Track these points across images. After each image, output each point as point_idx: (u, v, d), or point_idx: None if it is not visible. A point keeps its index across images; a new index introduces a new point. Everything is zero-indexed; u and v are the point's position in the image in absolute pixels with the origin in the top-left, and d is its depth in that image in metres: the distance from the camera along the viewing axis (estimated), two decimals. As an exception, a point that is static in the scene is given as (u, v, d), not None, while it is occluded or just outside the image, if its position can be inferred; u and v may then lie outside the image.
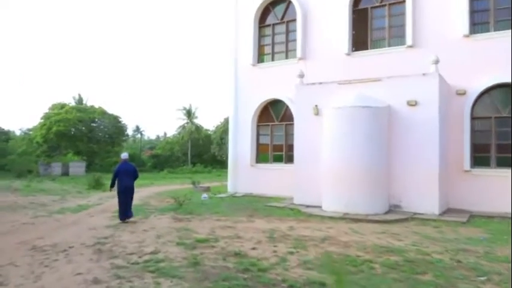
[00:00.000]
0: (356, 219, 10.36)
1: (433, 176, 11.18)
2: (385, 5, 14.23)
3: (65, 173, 40.06)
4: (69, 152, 45.60)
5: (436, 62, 11.53)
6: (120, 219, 10.41)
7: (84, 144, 48.56)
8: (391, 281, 5.59)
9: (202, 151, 63.02)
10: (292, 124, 15.41)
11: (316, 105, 12.81)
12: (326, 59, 14.89)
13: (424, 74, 11.53)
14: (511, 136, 12.01)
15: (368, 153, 11.27)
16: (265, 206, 12.91)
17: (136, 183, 11.27)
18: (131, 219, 10.58)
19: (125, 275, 5.81)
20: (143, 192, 19.72)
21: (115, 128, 52.47)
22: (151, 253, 7.09)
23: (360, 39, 14.65)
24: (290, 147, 15.65)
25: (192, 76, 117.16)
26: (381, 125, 11.48)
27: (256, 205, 13.27)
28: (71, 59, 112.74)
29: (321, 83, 13.02)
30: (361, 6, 14.70)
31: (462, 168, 12.39)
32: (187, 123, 65.08)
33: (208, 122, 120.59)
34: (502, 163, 12.19)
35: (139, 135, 79.31)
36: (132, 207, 12.44)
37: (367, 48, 14.44)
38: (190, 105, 64.99)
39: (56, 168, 40.15)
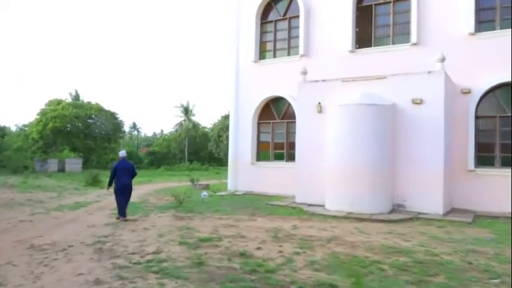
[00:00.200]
0: (360, 219, 10.20)
1: (438, 176, 11.03)
2: (389, 2, 14.05)
3: (61, 170, 39.70)
4: (66, 148, 45.24)
5: (442, 60, 11.36)
6: (120, 216, 10.22)
7: (81, 140, 48.15)
8: (403, 283, 5.41)
9: (199, 148, 62.80)
10: (294, 122, 15.26)
11: (319, 103, 12.63)
12: (329, 56, 14.70)
13: (429, 72, 11.37)
14: (511, 135, 11.90)
15: (372, 152, 11.10)
16: (267, 205, 12.74)
17: (134, 180, 11.12)
18: (127, 217, 10.37)
19: (128, 275, 5.61)
20: (141, 189, 19.49)
21: (112, 125, 52.07)
22: (154, 253, 6.88)
23: (364, 37, 14.47)
24: (291, 145, 15.48)
25: (190, 73, 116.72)
26: (385, 123, 11.31)
27: (257, 203, 13.09)
28: (67, 55, 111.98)
29: (324, 80, 12.84)
30: (365, 3, 14.52)
31: (466, 167, 12.26)
32: (184, 120, 64.81)
33: (205, 120, 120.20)
34: (507, 163, 12.07)
35: (136, 132, 78.92)
36: (131, 205, 12.32)
37: (370, 46, 14.27)
38: (187, 102, 64.78)
39: (52, 164, 39.78)
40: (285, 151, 15.82)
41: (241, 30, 16.85)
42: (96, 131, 50.63)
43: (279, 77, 15.65)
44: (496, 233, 8.98)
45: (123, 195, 10.40)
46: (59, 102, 49.72)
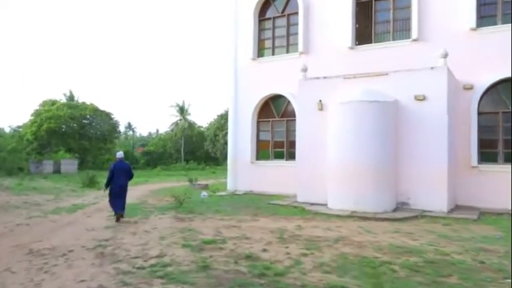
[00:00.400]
0: (365, 218, 10.04)
1: (442, 173, 10.90)
2: (389, -2, 13.91)
3: (57, 171, 39.30)
4: (61, 149, 44.79)
5: (445, 55, 11.22)
6: (116, 212, 10.10)
7: (76, 141, 47.74)
8: (416, 285, 5.25)
9: (195, 148, 62.55)
10: (294, 120, 15.10)
11: (320, 100, 12.45)
12: (328, 53, 14.54)
13: (432, 68, 11.22)
14: (511, 131, 11.80)
15: (375, 150, 10.95)
16: (268, 204, 12.56)
17: (131, 181, 10.99)
18: (124, 218, 10.23)
19: (132, 281, 5.41)
20: (139, 190, 19.25)
21: (107, 125, 51.70)
22: (157, 256, 6.68)
23: (364, 33, 14.32)
24: (291, 144, 15.32)
25: (184, 72, 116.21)
26: (388, 120, 11.16)
27: (258, 203, 12.91)
28: (61, 56, 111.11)
29: (325, 77, 12.66)
30: (365, -2, 14.35)
31: (469, 164, 12.15)
32: (180, 120, 64.53)
33: (201, 119, 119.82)
34: (509, 159, 11.98)
35: (131, 132, 78.48)
36: (130, 206, 12.14)
37: (370, 42, 14.12)
38: (183, 101, 64.50)
39: (48, 166, 39.37)
40: (285, 150, 15.65)
41: (239, 27, 16.64)
42: (92, 131, 50.25)
43: (278, 75, 15.46)
44: (503, 230, 8.84)
45: (119, 196, 10.29)
46: (53, 102, 49.28)
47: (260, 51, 16.42)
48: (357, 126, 11.07)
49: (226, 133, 53.23)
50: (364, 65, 13.17)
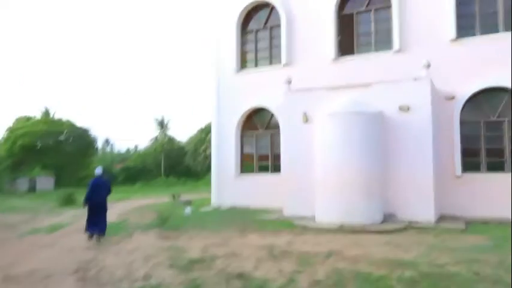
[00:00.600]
0: (354, 231, 9.90)
1: (428, 183, 10.92)
2: (370, 10, 14.06)
3: (32, 189, 38.09)
4: (36, 166, 43.48)
5: (427, 66, 11.33)
6: (87, 231, 9.81)
7: (52, 158, 46.50)
8: (416, 301, 5.09)
9: (175, 163, 61.75)
10: (278, 132, 14.99)
11: (305, 113, 12.36)
12: (312, 65, 14.53)
13: (415, 79, 11.30)
14: (503, 141, 11.96)
15: (362, 161, 10.88)
16: (255, 219, 12.29)
17: (110, 197, 10.70)
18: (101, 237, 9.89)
19: (118, 307, 5.07)
20: (120, 207, 18.70)
21: (84, 141, 50.65)
22: (144, 278, 6.35)
23: (346, 45, 14.40)
24: (276, 157, 15.16)
25: (163, 87, 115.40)
26: (374, 131, 11.14)
27: (244, 218, 12.60)
28: (36, 72, 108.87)
29: (309, 89, 12.61)
30: (347, 11, 14.47)
31: (454, 173, 12.23)
32: (159, 135, 63.80)
33: (181, 133, 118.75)
34: (492, 167, 12.13)
35: (109, 148, 77.11)
36: (111, 225, 11.74)
37: (353, 53, 14.19)
38: (162, 116, 63.80)
39: (22, 183, 38.13)
40: (270, 162, 15.46)
41: (222, 40, 16.52)
42: (68, 147, 49.11)
43: (261, 87, 15.36)
44: (492, 239, 8.84)
45: (98, 212, 10.02)
46: (28, 119, 48.05)
47: (243, 64, 16.32)
48: (344, 138, 10.99)
49: (207, 147, 53.07)
50: (347, 76, 13.21)
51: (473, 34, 12.53)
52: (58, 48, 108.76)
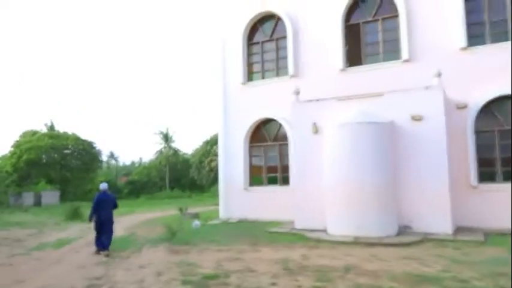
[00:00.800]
0: (370, 244, 9.63)
1: (444, 194, 10.66)
2: (377, 20, 13.97)
3: (37, 203, 37.93)
4: (41, 180, 43.42)
5: (439, 75, 11.17)
6: (97, 250, 9.87)
7: (57, 172, 46.46)
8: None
9: (180, 176, 61.63)
10: (287, 144, 14.85)
11: (314, 123, 12.19)
12: (319, 76, 14.42)
13: (427, 88, 11.14)
14: (511, 149, 11.74)
15: (375, 172, 10.66)
16: (266, 233, 12.03)
17: (116, 211, 10.66)
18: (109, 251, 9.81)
19: (133, 327, 4.84)
20: (126, 221, 18.49)
21: (89, 155, 50.63)
22: (157, 296, 6.12)
23: (354, 55, 14.29)
24: (285, 169, 14.97)
25: (168, 99, 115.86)
26: (386, 141, 10.94)
27: (255, 231, 12.37)
28: (41, 86, 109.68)
29: (318, 100, 12.46)
30: (353, 21, 14.39)
31: (469, 183, 11.95)
32: (164, 147, 63.77)
33: (186, 146, 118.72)
34: (508, 177, 11.85)
35: (113, 162, 77.09)
36: (120, 239, 11.63)
37: (361, 64, 14.07)
38: (167, 129, 63.82)
39: (28, 198, 37.99)
40: (278, 175, 15.25)
41: (227, 52, 16.46)
42: (73, 161, 49.10)
43: (268, 99, 15.24)
44: (513, 251, 8.55)
45: (104, 228, 10.03)
46: (34, 133, 48.18)
47: (249, 76, 16.22)
48: (355, 148, 10.79)
49: (212, 160, 52.84)
50: (355, 87, 13.04)
51: (483, 43, 12.38)
52: (62, 58, 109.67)
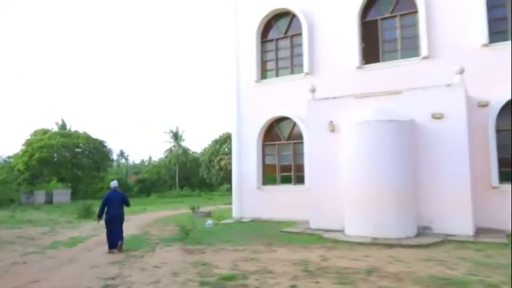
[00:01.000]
0: (389, 245, 9.37)
1: (465, 194, 10.36)
2: (395, 16, 13.67)
3: (49, 201, 38.19)
4: (53, 179, 43.72)
5: (461, 72, 10.85)
6: (109, 249, 9.86)
7: (68, 170, 46.76)
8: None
9: (189, 174, 61.74)
10: (301, 143, 14.62)
11: (331, 121, 11.95)
12: (335, 74, 14.15)
13: (448, 85, 10.82)
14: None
15: (395, 171, 10.39)
16: (281, 232, 11.84)
17: (128, 209, 10.67)
18: (123, 246, 9.95)
19: (152, 330, 4.67)
20: (138, 219, 18.45)
21: (100, 153, 50.87)
22: (175, 297, 5.94)
23: (371, 52, 14.00)
24: (299, 168, 14.74)
25: (178, 98, 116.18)
26: (406, 140, 10.66)
27: (269, 231, 12.18)
28: (52, 84, 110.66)
29: (335, 98, 12.21)
30: (370, 17, 14.11)
31: (490, 184, 11.61)
32: (174, 146, 63.87)
33: (195, 145, 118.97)
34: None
35: (123, 160, 77.46)
36: (133, 238, 11.55)
37: (378, 61, 13.78)
38: (177, 127, 63.91)
39: (39, 196, 38.28)
40: (292, 174, 15.02)
41: (241, 50, 16.28)
42: (84, 160, 49.37)
43: (283, 97, 15.03)
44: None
45: (114, 226, 9.99)
46: (45, 131, 48.53)
47: (263, 73, 16.02)
48: (374, 147, 10.53)
49: (221, 159, 52.77)
50: (372, 85, 12.77)
51: (506, 39, 11.99)
52: (69, 57, 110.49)
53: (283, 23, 15.83)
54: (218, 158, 52.20)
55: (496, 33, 12.12)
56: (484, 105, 11.86)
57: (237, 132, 16.16)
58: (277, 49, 15.88)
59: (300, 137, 14.72)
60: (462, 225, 10.25)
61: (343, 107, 11.93)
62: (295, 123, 14.95)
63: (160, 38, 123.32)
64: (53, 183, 42.30)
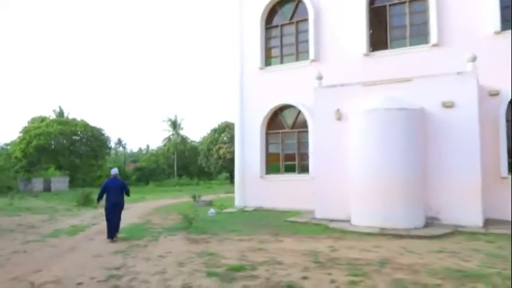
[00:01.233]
0: (398, 235, 9.18)
1: (475, 185, 10.15)
2: (404, 2, 13.32)
3: (47, 189, 37.93)
4: (50, 166, 43.41)
5: (473, 59, 10.56)
6: (108, 238, 9.67)
7: (66, 158, 46.42)
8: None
9: (188, 163, 61.49)
10: (306, 131, 14.37)
11: (338, 109, 11.68)
12: (342, 61, 13.83)
13: (459, 73, 10.54)
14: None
15: (404, 161, 10.16)
16: (285, 222, 11.66)
17: (127, 198, 10.47)
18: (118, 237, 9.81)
19: (162, 324, 4.45)
20: (138, 208, 18.25)
21: (98, 141, 50.49)
22: (183, 289, 5.73)
23: (378, 39, 13.68)
24: (303, 156, 14.52)
25: (176, 86, 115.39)
26: (416, 129, 10.42)
27: (273, 221, 11.99)
28: (49, 71, 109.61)
29: (342, 85, 11.91)
30: (378, 3, 13.77)
31: (499, 174, 11.42)
32: (172, 134, 63.49)
33: (194, 133, 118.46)
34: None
35: (121, 149, 77.08)
36: (135, 227, 11.37)
37: (386, 48, 13.46)
38: (175, 116, 63.45)
39: (37, 184, 37.99)
40: (296, 162, 14.79)
41: (245, 36, 15.92)
42: (82, 148, 49.01)
43: (287, 84, 14.72)
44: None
45: (113, 213, 9.82)
46: (42, 119, 48.07)
47: (268, 60, 15.69)
48: (383, 136, 10.28)
49: (220, 147, 52.48)
50: (380, 72, 12.48)
51: (518, 26, 11.71)
52: (69, 47, 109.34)
53: (288, 8, 15.45)
54: (217, 146, 51.92)
55: (508, 21, 11.81)
56: (494, 94, 11.61)
57: (240, 120, 15.88)
58: (282, 35, 15.52)
59: (304, 125, 14.46)
60: (471, 216, 10.07)
61: (351, 94, 11.64)
62: (299, 111, 14.68)
63: (159, 25, 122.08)
64: (51, 171, 42.01)
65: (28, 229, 11.91)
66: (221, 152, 50.47)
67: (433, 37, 12.54)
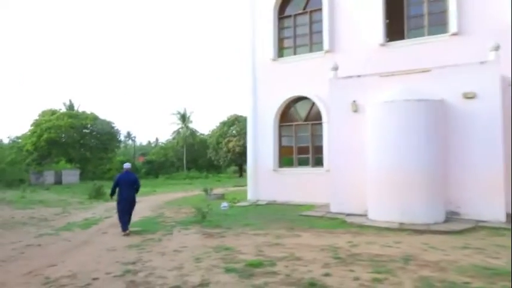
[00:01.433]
0: (418, 230, 8.91)
1: (498, 179, 9.80)
2: (423, -10, 12.93)
3: (58, 182, 38.19)
4: (61, 159, 43.67)
5: (497, 48, 10.16)
6: (123, 231, 9.60)
7: (76, 151, 46.68)
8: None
9: (197, 156, 61.50)
10: (320, 123, 14.11)
11: (354, 101, 11.38)
12: (357, 51, 13.50)
13: (482, 63, 10.17)
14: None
15: (423, 154, 9.85)
16: (300, 216, 11.45)
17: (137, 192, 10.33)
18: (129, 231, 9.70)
19: (183, 322, 4.28)
20: (150, 201, 18.18)
21: (108, 134, 50.66)
22: (201, 285, 5.55)
23: (395, 29, 13.32)
24: (317, 149, 14.26)
25: (185, 79, 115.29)
26: (436, 121, 10.09)
27: (288, 215, 11.78)
28: (60, 64, 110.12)
29: (359, 76, 11.59)
30: (395, -8, 13.37)
31: (519, 168, 11.04)
32: (181, 127, 63.45)
33: (203, 126, 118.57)
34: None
35: (130, 142, 77.32)
36: (148, 220, 11.26)
37: (403, 38, 13.10)
38: (184, 109, 63.36)
39: (48, 176, 38.26)
40: (310, 156, 14.54)
41: (257, 27, 15.63)
42: (92, 141, 49.23)
43: (301, 76, 14.43)
44: None
45: (125, 208, 9.77)
46: (53, 112, 48.29)
47: (280, 51, 15.40)
48: (402, 128, 9.97)
49: (229, 141, 52.33)
50: (397, 63, 12.09)
51: (544, 13, 11.28)
52: (81, 42, 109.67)
53: (301, -3, 15.11)
54: (226, 140, 51.79)
55: (533, 8, 11.37)
56: (517, 85, 11.20)
57: (253, 113, 15.64)
58: (295, 26, 15.20)
59: (318, 117, 14.19)
60: (493, 211, 9.75)
61: (368, 86, 11.32)
62: (313, 104, 14.40)
63: (169, 18, 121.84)
64: (62, 164, 42.27)
65: (41, 222, 11.88)
66: (230, 145, 50.33)
67: (453, 26, 12.16)
